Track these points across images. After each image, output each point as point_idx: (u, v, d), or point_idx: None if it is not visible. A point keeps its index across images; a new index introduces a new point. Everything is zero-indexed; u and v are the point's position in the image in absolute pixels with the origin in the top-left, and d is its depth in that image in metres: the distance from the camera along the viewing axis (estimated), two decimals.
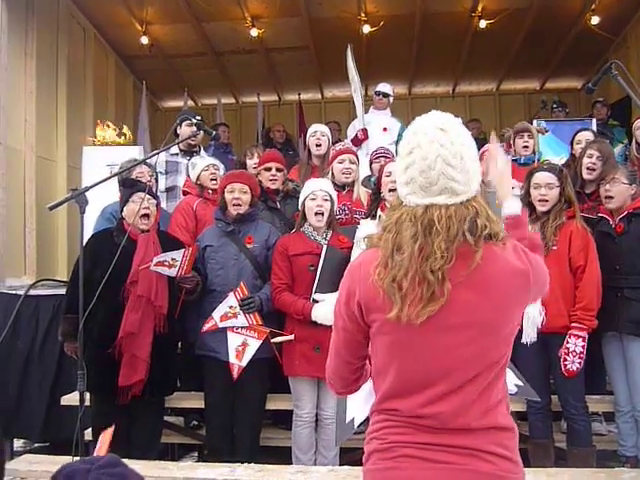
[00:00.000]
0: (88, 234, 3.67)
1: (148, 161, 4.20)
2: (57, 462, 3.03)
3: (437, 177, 1.49)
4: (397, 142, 5.64)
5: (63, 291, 4.53)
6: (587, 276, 3.35)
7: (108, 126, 6.34)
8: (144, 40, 7.94)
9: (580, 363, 3.28)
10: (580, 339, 3.28)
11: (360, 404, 1.95)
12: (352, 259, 3.44)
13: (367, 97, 7.29)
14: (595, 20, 7.52)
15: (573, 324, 3.31)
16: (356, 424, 2.10)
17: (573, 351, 3.28)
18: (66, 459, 2.88)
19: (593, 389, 3.70)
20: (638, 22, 7.64)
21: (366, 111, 6.03)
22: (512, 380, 2.19)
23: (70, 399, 3.95)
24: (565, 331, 3.32)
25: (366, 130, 5.59)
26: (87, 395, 3.16)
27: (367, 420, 1.72)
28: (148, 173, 4.27)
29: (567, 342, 3.30)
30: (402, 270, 1.48)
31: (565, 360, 3.29)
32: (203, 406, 3.83)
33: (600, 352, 3.57)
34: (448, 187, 1.50)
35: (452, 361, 1.49)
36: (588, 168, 3.97)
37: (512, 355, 1.61)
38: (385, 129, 5.87)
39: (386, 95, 6.09)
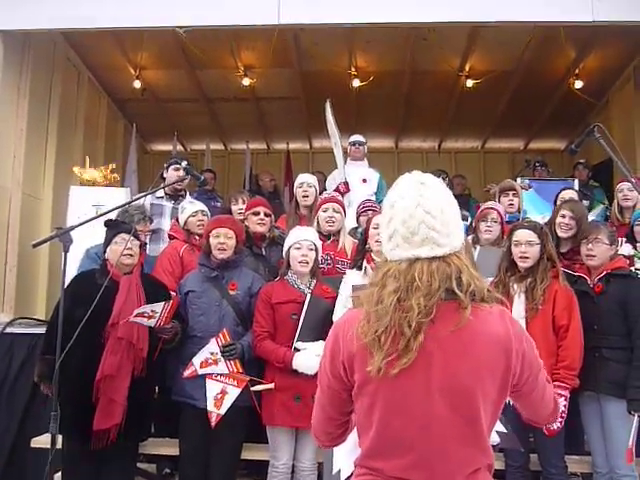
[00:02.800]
0: (71, 273, 3.64)
1: (144, 209, 4.19)
2: None
3: (418, 225, 1.53)
4: (377, 192, 5.72)
5: (40, 330, 4.48)
6: (571, 335, 3.36)
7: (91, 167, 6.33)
8: (137, 84, 8.07)
9: (561, 422, 3.26)
10: (562, 398, 3.27)
11: (346, 456, 1.96)
12: (335, 310, 3.44)
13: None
14: (579, 84, 7.77)
15: (555, 383, 3.29)
16: (343, 477, 2.09)
17: None
18: None
19: (572, 449, 3.67)
20: (620, 87, 7.92)
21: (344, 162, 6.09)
22: (496, 427, 2.18)
23: (41, 441, 3.85)
24: None
25: (347, 183, 5.64)
26: (59, 438, 3.08)
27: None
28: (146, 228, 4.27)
29: None
30: (382, 322, 1.49)
31: None
32: (177, 453, 3.74)
33: (578, 411, 3.55)
34: (429, 237, 1.53)
35: (429, 423, 1.49)
36: (561, 227, 4.03)
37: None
38: (365, 180, 5.92)
39: (362, 144, 6.17)
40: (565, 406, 3.27)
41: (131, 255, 3.58)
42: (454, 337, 1.48)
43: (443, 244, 1.54)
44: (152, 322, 3.45)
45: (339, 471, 2.12)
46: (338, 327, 1.65)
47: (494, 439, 2.39)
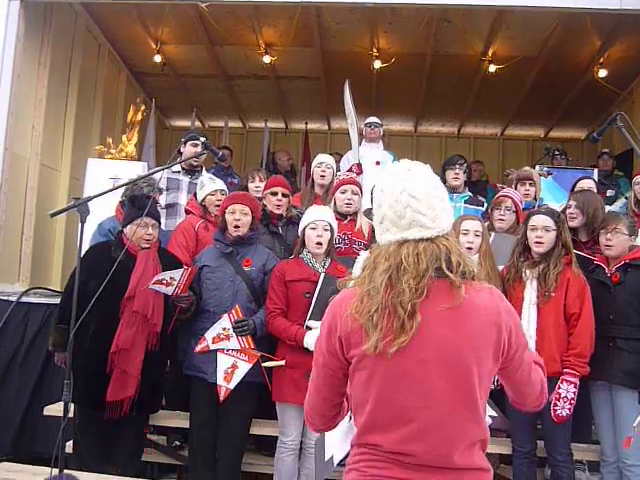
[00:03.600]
0: (86, 246, 3.66)
1: (155, 179, 4.19)
2: (38, 473, 2.99)
3: (404, 209, 1.61)
4: None
5: (55, 300, 4.53)
6: (582, 323, 3.35)
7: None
8: (157, 58, 8.07)
9: (570, 409, 3.26)
10: (572, 385, 3.27)
11: (338, 441, 1.99)
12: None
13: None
14: (602, 73, 7.65)
15: (565, 370, 3.30)
16: (335, 462, 2.13)
17: (564, 397, 3.26)
18: (46, 470, 2.85)
19: (579, 437, 3.68)
20: None
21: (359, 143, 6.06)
22: (487, 412, 2.20)
23: (53, 409, 3.91)
24: (557, 377, 3.30)
25: (360, 165, 5.62)
26: (71, 407, 3.12)
27: (347, 455, 1.75)
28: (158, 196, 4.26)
29: (559, 387, 3.28)
30: (375, 304, 1.55)
31: (555, 405, 3.27)
32: (187, 426, 3.78)
33: (588, 400, 3.54)
34: (416, 220, 1.60)
35: (427, 395, 1.54)
36: (568, 217, 4.01)
37: (501, 399, 1.63)
38: (378, 162, 5.89)
39: (377, 125, 6.14)
40: (575, 394, 3.27)
41: (150, 241, 3.61)
42: (448, 312, 1.54)
43: (430, 226, 1.61)
44: (170, 290, 3.48)
45: (332, 457, 2.13)
46: (335, 305, 1.69)
47: (487, 420, 2.40)
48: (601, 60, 7.59)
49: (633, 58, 7.44)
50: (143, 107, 6.72)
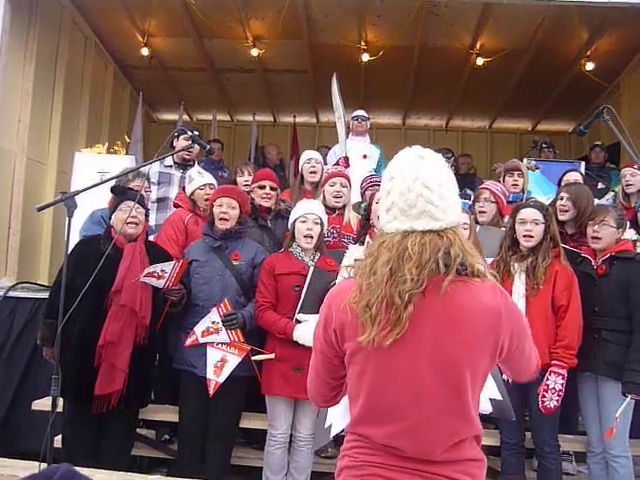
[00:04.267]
0: (74, 239, 3.65)
1: (143, 171, 4.18)
2: (28, 468, 2.99)
3: (415, 199, 1.56)
4: (376, 169, 5.71)
5: (42, 295, 4.51)
6: (569, 315, 3.37)
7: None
8: (144, 51, 8.01)
9: (558, 401, 3.29)
10: (560, 377, 3.30)
11: (339, 414, 2.07)
12: (337, 282, 3.45)
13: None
14: (590, 66, 7.70)
15: (554, 362, 3.33)
16: (333, 432, 2.22)
17: (552, 388, 3.29)
18: (34, 464, 2.85)
19: (566, 429, 3.71)
20: (631, 71, 7.84)
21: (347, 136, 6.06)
22: (490, 394, 2.23)
23: (41, 404, 3.89)
24: (545, 369, 3.33)
25: (347, 158, 5.63)
26: (59, 401, 3.11)
27: (341, 441, 1.76)
28: (145, 188, 4.25)
29: (547, 379, 3.31)
30: (373, 293, 1.52)
31: (543, 397, 3.30)
32: (177, 420, 3.78)
33: (575, 392, 3.58)
34: (427, 210, 1.55)
35: (418, 392, 1.52)
36: (559, 209, 4.03)
37: None
38: (365, 156, 5.91)
39: (364, 119, 6.15)
40: (562, 385, 3.30)
41: (135, 224, 3.58)
42: (444, 308, 1.51)
43: (440, 218, 1.56)
44: (161, 282, 3.47)
45: (330, 426, 2.23)
46: (332, 296, 1.68)
47: (485, 408, 2.42)
48: (588, 53, 7.64)
49: (620, 51, 7.48)
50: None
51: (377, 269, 1.54)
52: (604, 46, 7.47)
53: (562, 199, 4.04)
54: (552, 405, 3.29)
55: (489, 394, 2.17)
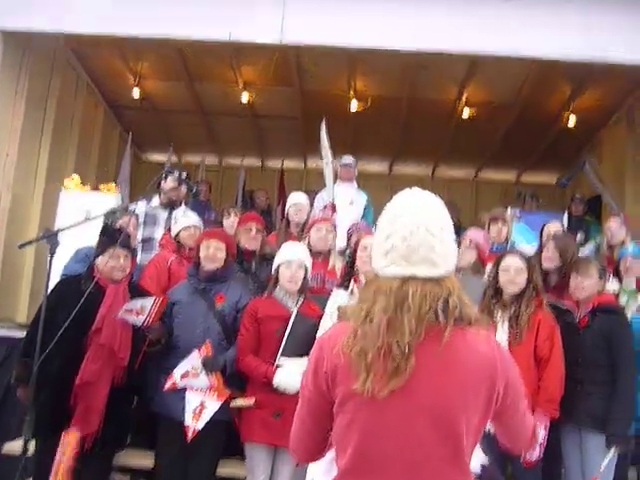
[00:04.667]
0: (55, 277, 3.61)
1: (131, 208, 4.17)
2: None
3: (418, 245, 1.52)
4: (363, 215, 5.74)
5: (19, 334, 4.42)
6: (551, 366, 3.36)
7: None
8: (136, 93, 8.08)
9: (540, 453, 3.25)
10: (542, 429, 3.27)
11: (322, 470, 1.92)
12: (320, 328, 3.42)
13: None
14: (573, 120, 7.86)
15: (536, 413, 3.30)
16: None
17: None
18: None
19: (550, 478, 3.66)
20: (613, 125, 8.04)
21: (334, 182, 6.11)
22: (479, 459, 2.17)
23: (13, 447, 3.77)
24: None
25: (334, 205, 5.67)
26: (31, 443, 3.03)
27: None
28: (133, 225, 4.24)
29: None
30: (370, 341, 1.47)
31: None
32: (152, 466, 3.68)
33: (557, 443, 3.54)
34: (428, 257, 1.52)
35: (410, 443, 1.47)
36: (545, 259, 4.06)
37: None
38: (351, 202, 5.96)
39: (352, 166, 6.22)
40: (544, 437, 3.26)
41: (122, 272, 3.56)
42: (440, 358, 1.47)
43: (439, 265, 1.53)
44: (140, 319, 3.43)
45: None
46: (323, 340, 1.63)
47: (476, 468, 2.37)
48: (571, 108, 7.81)
49: (601, 107, 7.68)
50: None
51: (374, 316, 1.50)
52: (587, 101, 7.66)
53: (548, 250, 4.07)
54: (534, 458, 3.25)
55: (477, 460, 2.10)
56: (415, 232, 1.52)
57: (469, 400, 1.49)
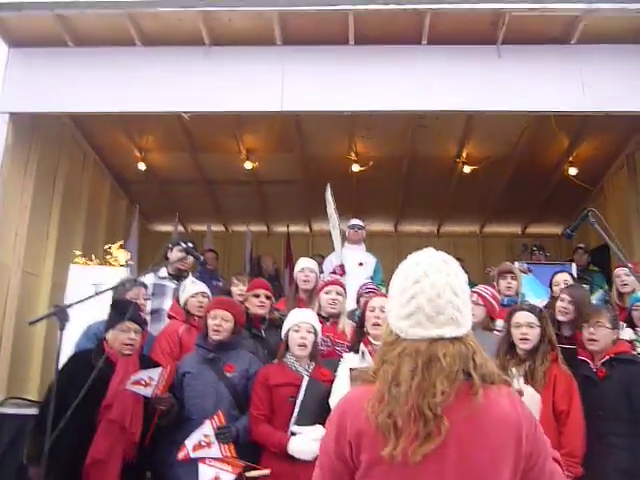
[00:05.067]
0: (66, 352, 3.60)
1: (140, 280, 4.19)
2: None
3: (445, 306, 1.50)
4: (373, 277, 5.75)
5: (31, 411, 4.38)
6: (571, 421, 3.30)
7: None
8: (141, 166, 8.25)
9: None
10: None
11: None
12: (333, 393, 3.38)
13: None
14: (573, 171, 7.94)
15: None
16: None
17: None
18: None
19: None
20: (614, 173, 8.10)
21: (342, 245, 6.15)
22: None
23: None
24: None
25: (343, 266, 5.69)
26: None
27: None
28: (143, 295, 4.26)
29: None
30: (398, 405, 1.44)
31: None
32: None
33: None
34: (454, 317, 1.50)
35: None
36: (560, 311, 4.03)
37: None
38: (361, 264, 5.99)
39: (360, 228, 6.26)
40: None
41: (132, 345, 3.56)
42: (469, 419, 1.44)
43: (462, 325, 1.52)
44: (149, 391, 3.40)
45: None
46: (345, 405, 1.58)
47: None
48: (570, 159, 7.91)
49: (600, 156, 7.77)
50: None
51: (401, 379, 1.46)
52: (586, 151, 7.76)
53: (563, 300, 4.04)
54: None
55: None
56: (442, 294, 1.51)
57: (498, 462, 1.45)
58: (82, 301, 3.17)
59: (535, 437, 1.52)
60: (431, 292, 1.51)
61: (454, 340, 1.50)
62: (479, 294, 4.27)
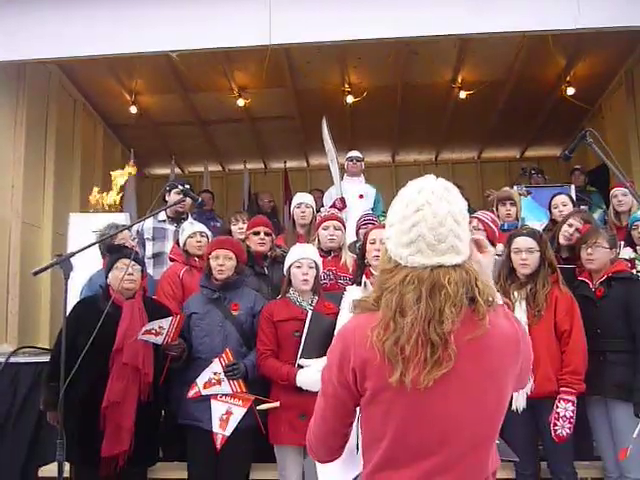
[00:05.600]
0: (72, 300, 3.64)
1: (139, 227, 4.20)
2: None
3: (447, 234, 1.49)
4: (373, 208, 5.74)
5: (44, 358, 4.48)
6: (573, 340, 3.36)
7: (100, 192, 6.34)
8: (133, 110, 8.13)
9: (570, 428, 3.25)
10: (570, 403, 3.27)
11: (339, 469, 1.85)
12: (338, 325, 3.44)
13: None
14: (570, 91, 7.79)
15: (562, 388, 3.30)
16: None
17: (563, 416, 3.25)
18: None
19: (581, 454, 3.66)
20: (611, 93, 7.97)
21: (341, 178, 6.12)
22: None
23: (49, 470, 3.84)
24: (554, 396, 3.30)
25: (344, 199, 5.68)
26: (67, 466, 3.07)
27: None
28: (130, 238, 4.29)
29: (557, 407, 3.28)
30: (405, 333, 1.44)
31: (555, 425, 3.26)
32: (186, 477, 3.71)
33: (586, 416, 3.54)
34: (454, 245, 1.49)
35: (449, 430, 1.46)
36: (565, 236, 4.04)
37: None
38: (361, 196, 5.98)
39: (359, 160, 6.23)
40: (573, 412, 3.26)
41: (133, 280, 3.60)
42: (473, 342, 1.46)
43: (462, 252, 1.51)
44: (160, 339, 3.47)
45: None
46: (346, 333, 1.58)
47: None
48: (568, 78, 7.75)
49: (598, 74, 7.61)
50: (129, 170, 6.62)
51: (406, 306, 1.46)
52: (582, 70, 7.60)
53: (571, 226, 4.05)
54: (564, 433, 3.25)
55: None
56: (444, 222, 1.49)
57: (501, 379, 1.50)
58: (83, 250, 3.18)
59: (526, 353, 1.58)
60: (433, 220, 1.49)
61: (455, 267, 1.49)
62: (479, 219, 4.27)
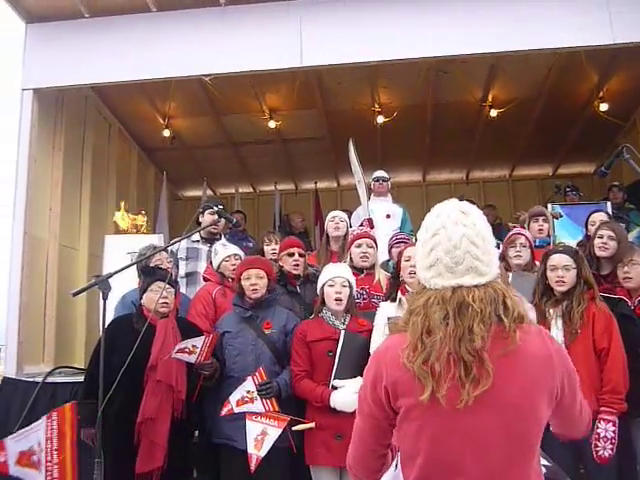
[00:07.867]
0: (108, 320, 3.69)
1: (173, 248, 4.26)
2: None
3: (463, 256, 1.54)
4: (401, 227, 5.74)
5: (81, 378, 4.52)
6: (612, 358, 3.28)
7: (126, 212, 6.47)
8: (166, 133, 8.27)
9: (612, 449, 3.15)
10: (610, 423, 3.18)
11: None
12: (372, 342, 3.43)
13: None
14: (604, 107, 7.70)
15: (602, 408, 3.21)
16: None
17: (604, 437, 3.16)
18: None
19: (625, 477, 3.54)
20: None
21: (368, 198, 6.13)
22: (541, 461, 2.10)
23: None
24: (594, 416, 3.22)
25: (371, 220, 5.69)
26: None
27: None
28: (167, 260, 4.34)
29: (597, 427, 3.19)
30: (435, 351, 1.48)
31: (596, 446, 3.16)
32: None
33: (630, 437, 3.44)
34: (473, 266, 1.54)
35: (481, 448, 1.46)
36: (599, 247, 3.98)
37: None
38: (388, 216, 5.98)
39: (385, 180, 6.23)
40: (614, 432, 3.17)
41: (166, 303, 3.65)
42: (505, 360, 1.48)
43: (484, 273, 1.55)
44: (193, 358, 3.50)
45: None
46: (379, 354, 1.64)
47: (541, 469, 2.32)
48: (601, 94, 7.67)
49: (632, 90, 7.51)
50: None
51: (433, 326, 1.51)
52: (615, 86, 7.52)
53: (602, 237, 3.99)
54: (606, 454, 3.16)
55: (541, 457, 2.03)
56: (459, 245, 1.55)
57: (533, 398, 1.49)
58: (121, 270, 3.23)
59: (565, 371, 1.56)
60: (448, 244, 1.56)
61: (477, 286, 1.53)
62: (526, 237, 4.23)
